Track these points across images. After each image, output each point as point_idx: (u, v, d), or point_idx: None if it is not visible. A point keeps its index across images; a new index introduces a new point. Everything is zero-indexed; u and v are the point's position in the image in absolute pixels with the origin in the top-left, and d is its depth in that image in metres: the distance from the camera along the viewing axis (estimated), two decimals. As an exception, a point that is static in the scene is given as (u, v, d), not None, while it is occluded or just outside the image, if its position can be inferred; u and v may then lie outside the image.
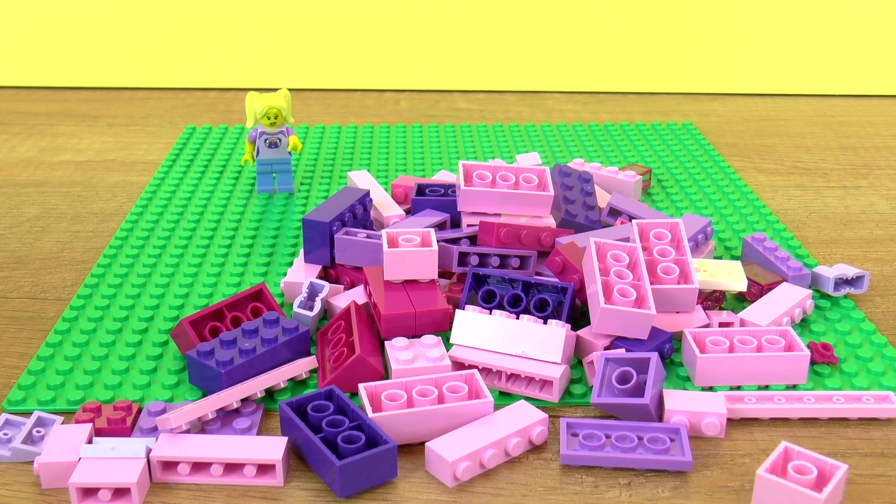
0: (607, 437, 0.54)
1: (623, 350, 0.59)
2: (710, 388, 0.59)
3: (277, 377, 0.57)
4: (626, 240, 0.67)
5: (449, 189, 0.77)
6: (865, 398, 0.57)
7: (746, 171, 0.95)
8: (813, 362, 0.61)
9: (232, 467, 0.52)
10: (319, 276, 0.69)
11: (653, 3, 1.20)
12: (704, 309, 0.65)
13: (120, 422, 0.54)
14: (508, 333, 0.60)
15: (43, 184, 0.91)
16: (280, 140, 0.85)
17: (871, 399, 0.57)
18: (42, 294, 0.71)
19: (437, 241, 0.67)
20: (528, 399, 0.57)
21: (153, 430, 0.54)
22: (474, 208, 0.72)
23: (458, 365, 0.59)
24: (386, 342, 0.61)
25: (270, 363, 0.58)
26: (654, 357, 0.56)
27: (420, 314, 0.62)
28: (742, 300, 0.69)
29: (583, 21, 1.21)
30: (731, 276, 0.66)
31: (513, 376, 0.59)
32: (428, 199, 0.75)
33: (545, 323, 0.60)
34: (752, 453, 0.54)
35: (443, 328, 0.63)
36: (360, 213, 0.73)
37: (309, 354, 0.61)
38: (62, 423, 0.54)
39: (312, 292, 0.66)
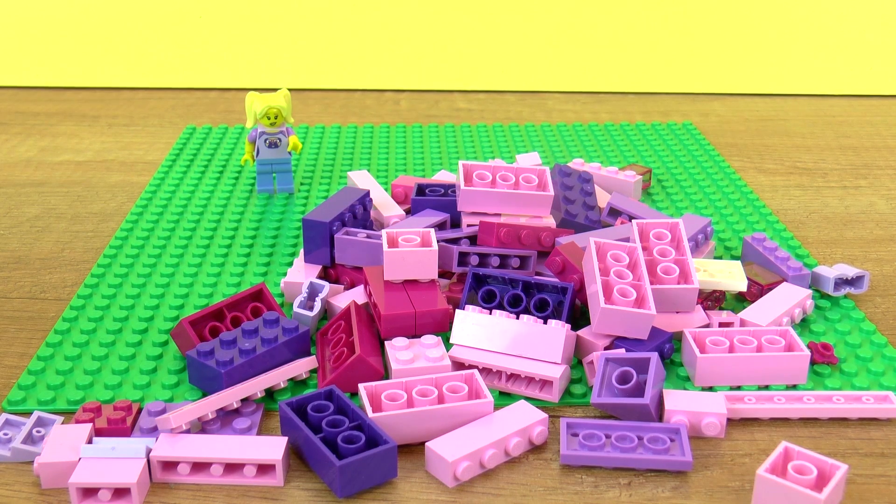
0: (607, 437, 0.54)
1: (623, 350, 0.59)
2: (710, 388, 0.59)
3: (277, 377, 0.57)
4: (626, 240, 0.67)
5: (449, 189, 0.77)
6: (865, 398, 0.57)
7: (746, 171, 0.95)
8: (813, 362, 0.61)
9: (232, 467, 0.52)
10: (319, 276, 0.69)
11: (653, 3, 1.20)
12: (704, 309, 0.65)
13: (120, 422, 0.54)
14: (508, 333, 0.60)
15: (43, 184, 0.91)
16: (280, 140, 0.85)
17: (871, 399, 0.57)
18: (42, 294, 0.71)
19: (437, 241, 0.67)
20: (528, 399, 0.57)
21: (153, 430, 0.54)
22: (474, 208, 0.72)
23: (458, 365, 0.59)
24: (386, 342, 0.61)
25: (270, 363, 0.58)
26: (654, 357, 0.56)
27: (420, 314, 0.62)
28: (742, 300, 0.69)
29: (583, 21, 1.21)
30: (731, 276, 0.66)
31: (513, 376, 0.59)
32: (428, 199, 0.75)
33: (545, 323, 0.60)
34: (752, 453, 0.54)
35: (443, 328, 0.63)
36: (360, 213, 0.73)
37: (309, 354, 0.61)
38: (62, 423, 0.54)
39: (312, 292, 0.66)
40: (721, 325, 0.63)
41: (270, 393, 0.58)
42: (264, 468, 0.52)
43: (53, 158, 0.98)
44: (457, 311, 0.61)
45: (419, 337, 0.62)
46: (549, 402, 0.58)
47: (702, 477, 0.52)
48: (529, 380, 0.59)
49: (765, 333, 0.61)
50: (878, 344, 0.64)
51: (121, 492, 0.50)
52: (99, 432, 0.54)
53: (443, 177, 0.87)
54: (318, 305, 0.65)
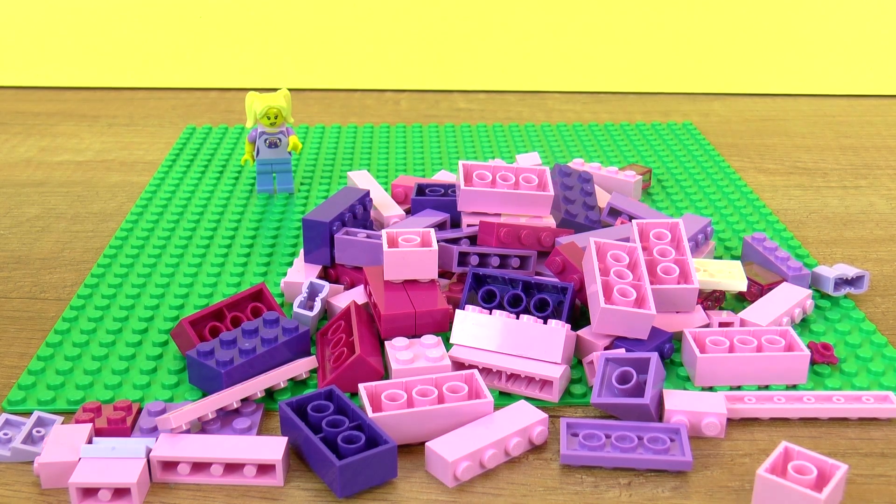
0: (607, 437, 0.54)
1: (623, 350, 0.59)
2: (710, 388, 0.59)
3: (277, 377, 0.57)
4: (626, 240, 0.67)
5: (449, 189, 0.77)
6: (865, 398, 0.57)
7: (746, 171, 0.95)
8: (813, 362, 0.61)
9: (232, 467, 0.52)
10: (319, 276, 0.69)
11: (653, 3, 1.20)
12: (704, 309, 0.65)
13: (120, 422, 0.54)
14: (508, 333, 0.60)
15: (43, 184, 0.91)
16: (280, 140, 0.85)
17: (871, 399, 0.57)
18: (42, 294, 0.71)
19: (437, 241, 0.67)
20: (528, 399, 0.57)
21: (153, 430, 0.54)
22: (474, 208, 0.72)
23: (458, 365, 0.59)
24: (386, 342, 0.61)
25: (270, 363, 0.58)
26: (654, 357, 0.56)
27: (420, 314, 0.62)
28: (742, 300, 0.69)
29: (583, 21, 1.21)
30: (731, 276, 0.66)
31: (513, 376, 0.59)
32: (428, 199, 0.75)
33: (545, 323, 0.60)
34: (752, 453, 0.54)
35: (443, 328, 0.63)
36: (360, 213, 0.73)
37: (309, 354, 0.61)
38: (62, 423, 0.54)
39: (312, 292, 0.66)
40: (721, 325, 0.63)
41: (270, 393, 0.58)
42: (264, 468, 0.52)
43: (53, 158, 0.98)
44: (457, 311, 0.61)
45: (419, 337, 0.62)
46: (549, 402, 0.58)
47: (702, 477, 0.52)
48: (529, 380, 0.59)
49: (765, 333, 0.61)
50: (878, 344, 0.64)
51: (121, 492, 0.50)
52: (99, 432, 0.54)
53: (443, 177, 0.87)
54: (318, 305, 0.65)
